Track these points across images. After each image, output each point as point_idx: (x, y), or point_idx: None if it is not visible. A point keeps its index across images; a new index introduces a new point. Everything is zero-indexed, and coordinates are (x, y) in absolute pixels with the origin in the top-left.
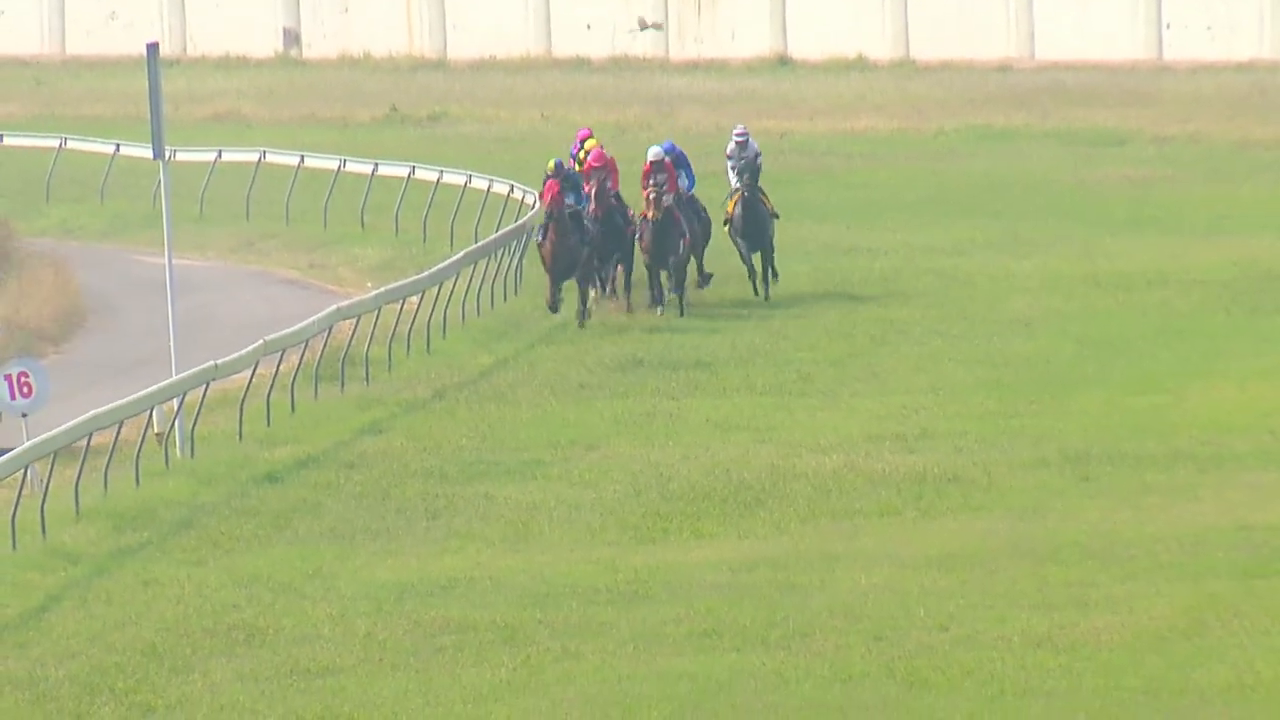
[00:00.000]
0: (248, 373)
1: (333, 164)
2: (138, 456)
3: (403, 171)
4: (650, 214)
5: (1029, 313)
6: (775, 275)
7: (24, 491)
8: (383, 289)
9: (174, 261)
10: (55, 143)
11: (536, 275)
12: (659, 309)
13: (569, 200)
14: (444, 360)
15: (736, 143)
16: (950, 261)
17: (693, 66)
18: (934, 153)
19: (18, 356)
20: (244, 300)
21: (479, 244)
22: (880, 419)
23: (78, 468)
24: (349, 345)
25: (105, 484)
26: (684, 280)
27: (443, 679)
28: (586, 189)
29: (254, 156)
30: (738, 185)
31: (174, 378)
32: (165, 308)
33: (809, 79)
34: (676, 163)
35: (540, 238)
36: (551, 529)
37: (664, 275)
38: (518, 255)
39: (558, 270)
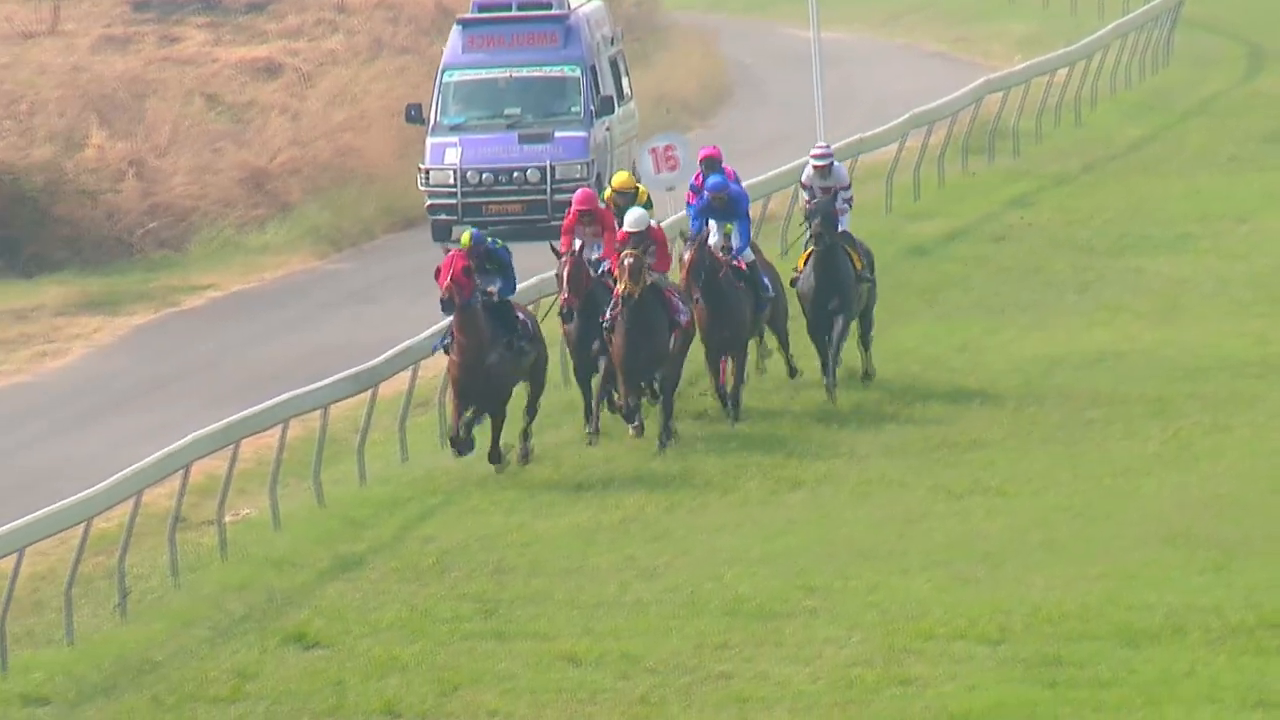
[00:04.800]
0: (895, 146)
1: None
2: (784, 229)
3: None
4: (621, 286)
5: None
6: (870, 372)
7: (673, 263)
8: (1031, 61)
9: (819, 35)
10: None
11: (1185, 46)
12: (632, 429)
13: (493, 286)
14: (1092, 133)
15: (814, 168)
16: None
17: None
18: None
19: (664, 130)
20: (890, 74)
21: (1129, 16)
22: None
23: None
24: (997, 118)
25: None
26: (672, 393)
27: (1091, 452)
28: (562, 265)
29: None
30: (810, 232)
31: None
32: (810, 81)
33: None
34: (729, 207)
35: (445, 341)
36: (1201, 302)
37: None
38: (1168, 27)
39: (467, 395)
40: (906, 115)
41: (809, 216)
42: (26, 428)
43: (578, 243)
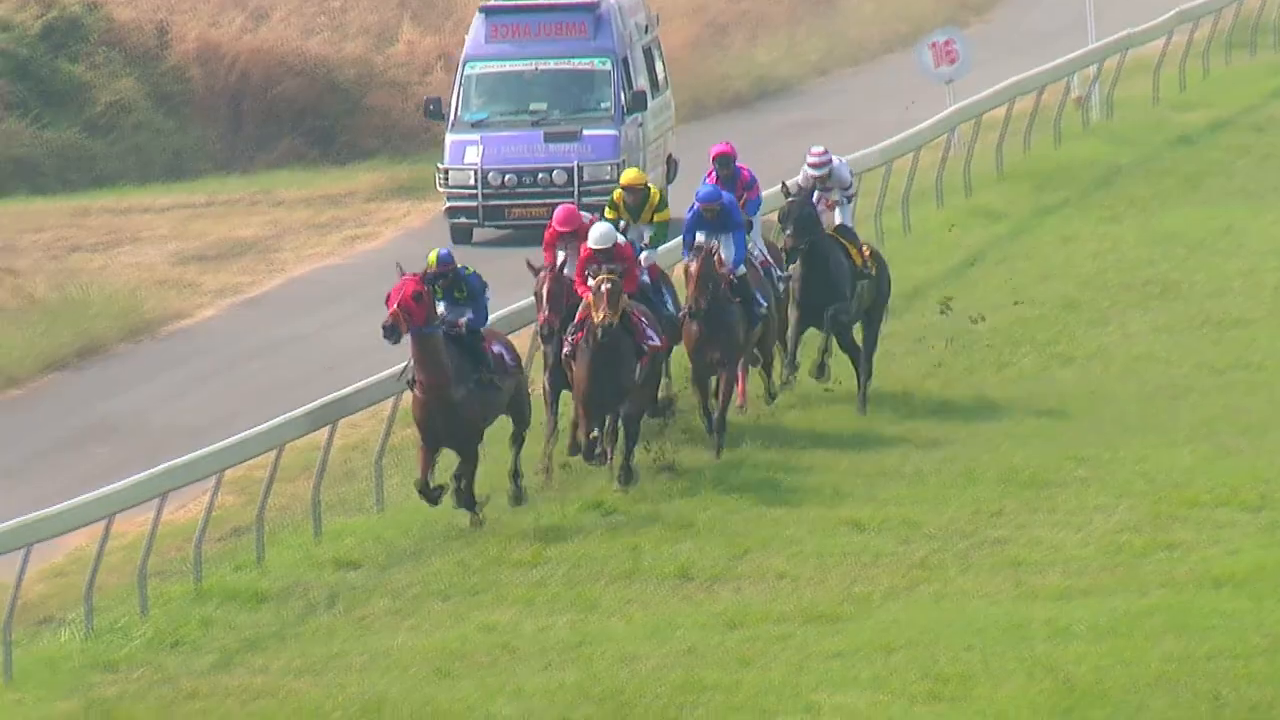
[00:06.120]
0: (1163, 40)
1: None
2: (1057, 120)
3: None
4: (600, 316)
5: None
6: (865, 376)
7: (949, 154)
8: None
9: None
10: None
11: None
12: (611, 469)
13: (462, 319)
14: None
15: (812, 175)
16: None
17: None
18: None
19: (943, 25)
20: None
21: None
22: None
23: (1000, 131)
24: (1260, 13)
25: (1026, 146)
26: (637, 428)
27: None
28: (541, 281)
29: None
30: (783, 245)
31: (1092, 45)
32: None
33: None
34: (722, 220)
35: (409, 380)
36: None
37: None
38: None
39: (433, 435)
40: (1173, 11)
41: (781, 220)
42: (340, 307)
43: (560, 255)
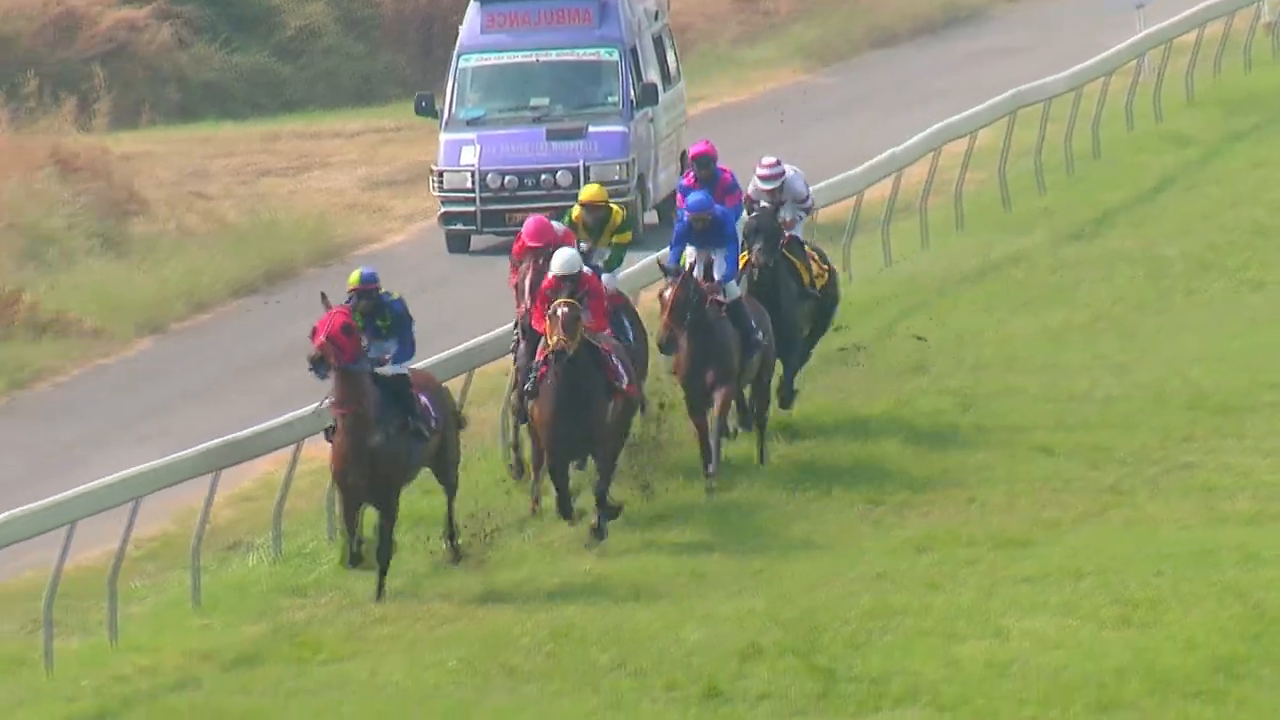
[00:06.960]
0: None
1: None
2: (1248, 45)
3: None
4: (554, 340)
5: None
6: (789, 397)
7: (1139, 79)
8: None
9: None
10: None
11: None
12: (588, 528)
13: (387, 353)
14: None
15: (761, 189)
16: None
17: None
18: None
19: None
20: None
21: None
22: None
23: (1190, 56)
24: None
25: (1216, 71)
26: (609, 477)
27: None
28: (524, 273)
29: None
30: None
31: None
32: None
33: None
34: (713, 231)
35: (328, 428)
36: None
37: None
38: None
39: (351, 488)
40: None
41: (748, 235)
42: None
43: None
